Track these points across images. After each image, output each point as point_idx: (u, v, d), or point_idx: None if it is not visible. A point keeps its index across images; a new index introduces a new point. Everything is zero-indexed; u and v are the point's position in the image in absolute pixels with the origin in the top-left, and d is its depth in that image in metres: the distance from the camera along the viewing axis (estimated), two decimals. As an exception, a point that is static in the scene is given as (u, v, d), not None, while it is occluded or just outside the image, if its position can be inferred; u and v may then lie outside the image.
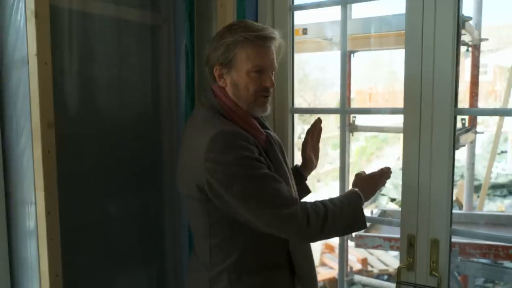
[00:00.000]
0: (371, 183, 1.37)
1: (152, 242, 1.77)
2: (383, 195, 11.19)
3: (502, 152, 11.30)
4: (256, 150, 1.19)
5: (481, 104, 11.13)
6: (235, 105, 1.26)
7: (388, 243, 3.99)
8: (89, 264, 1.50)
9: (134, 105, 1.65)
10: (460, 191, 6.40)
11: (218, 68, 1.25)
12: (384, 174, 1.41)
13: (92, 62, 1.47)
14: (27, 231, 1.33)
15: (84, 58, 1.44)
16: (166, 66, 1.74)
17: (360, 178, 1.38)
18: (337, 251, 6.11)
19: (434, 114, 1.39)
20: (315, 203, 1.21)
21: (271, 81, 1.26)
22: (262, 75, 1.24)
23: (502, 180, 10.01)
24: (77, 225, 1.43)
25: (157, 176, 1.75)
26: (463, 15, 3.97)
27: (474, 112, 3.87)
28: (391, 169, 1.46)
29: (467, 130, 4.63)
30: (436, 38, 1.36)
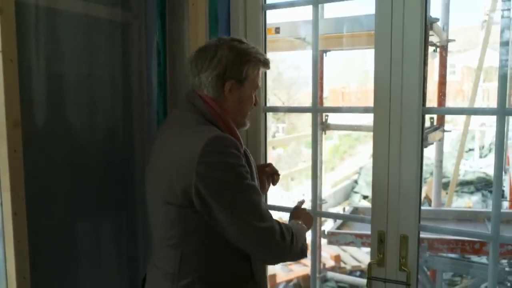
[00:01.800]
0: (309, 219, 1.43)
1: (122, 243, 1.74)
2: (356, 192, 11.37)
3: (470, 150, 11.65)
4: (244, 159, 1.20)
5: (450, 103, 11.45)
6: (225, 114, 1.28)
7: (359, 240, 4.06)
8: (57, 266, 1.47)
9: (104, 103, 1.62)
10: (430, 188, 6.57)
11: (233, 83, 1.27)
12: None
13: (60, 59, 1.43)
14: (-7, 233, 1.29)
15: (52, 55, 1.40)
16: (137, 64, 1.71)
17: (303, 212, 1.45)
18: (310, 248, 6.14)
19: (403, 113, 1.42)
20: (281, 222, 1.24)
21: (258, 100, 1.39)
22: (254, 94, 1.35)
23: (469, 177, 10.32)
24: (45, 226, 1.39)
25: (127, 175, 1.73)
26: (430, 16, 4.07)
27: (441, 111, 3.98)
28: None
29: (436, 129, 4.75)
30: (405, 39, 1.39)
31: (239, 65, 1.27)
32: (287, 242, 1.19)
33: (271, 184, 1.57)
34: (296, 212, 1.44)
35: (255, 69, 1.30)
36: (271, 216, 1.20)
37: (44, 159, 1.38)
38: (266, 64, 1.34)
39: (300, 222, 1.36)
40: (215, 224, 1.16)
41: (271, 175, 1.55)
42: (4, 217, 1.25)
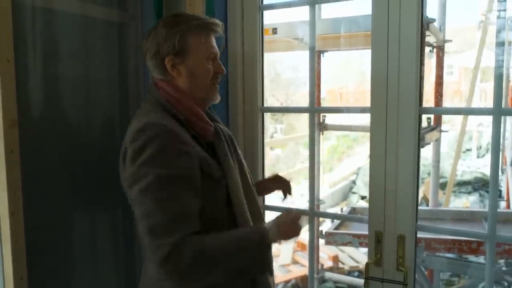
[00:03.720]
0: (290, 229, 1.23)
1: (120, 242, 1.74)
2: (354, 193, 11.38)
3: (467, 150, 11.67)
4: (191, 148, 1.13)
5: (448, 103, 11.46)
6: (182, 96, 1.21)
7: (357, 240, 4.06)
8: (54, 266, 1.46)
9: (101, 103, 1.62)
10: (427, 188, 6.58)
11: (171, 58, 1.20)
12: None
13: (57, 59, 1.43)
14: (-10, 233, 1.29)
15: (49, 55, 1.40)
16: (134, 65, 1.71)
17: (289, 219, 1.24)
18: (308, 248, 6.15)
19: (400, 113, 1.42)
20: (200, 242, 1.09)
21: (223, 68, 1.28)
22: (214, 62, 1.25)
23: (467, 177, 10.33)
24: (42, 225, 1.39)
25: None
26: (427, 16, 4.07)
27: (438, 111, 3.98)
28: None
29: (433, 129, 4.76)
30: (401, 39, 1.40)
31: (172, 37, 1.19)
32: (175, 266, 1.04)
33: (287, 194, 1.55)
34: (284, 216, 1.24)
35: (200, 36, 1.21)
36: (175, 233, 1.05)
37: (41, 158, 1.38)
38: (203, 27, 1.22)
39: (265, 229, 1.18)
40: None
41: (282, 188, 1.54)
42: (1, 217, 1.25)
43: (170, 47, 1.19)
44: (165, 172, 1.08)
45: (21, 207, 1.26)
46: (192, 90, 1.23)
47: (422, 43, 1.42)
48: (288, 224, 1.22)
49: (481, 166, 10.61)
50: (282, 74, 15.95)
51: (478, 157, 11.57)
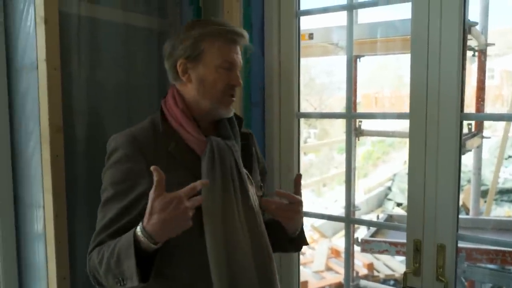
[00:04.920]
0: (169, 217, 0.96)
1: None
2: (389, 199, 11.16)
3: (510, 156, 11.21)
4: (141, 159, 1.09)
5: (488, 108, 11.09)
6: (177, 107, 1.16)
7: (394, 248, 3.98)
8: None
9: (142, 110, 1.65)
10: (467, 196, 6.36)
11: (182, 63, 1.15)
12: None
13: (100, 67, 1.48)
14: (35, 234, 1.34)
15: (93, 63, 1.45)
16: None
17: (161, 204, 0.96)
18: (343, 256, 6.09)
19: (440, 119, 1.39)
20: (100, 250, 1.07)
21: (239, 80, 1.19)
22: (230, 73, 1.17)
23: (509, 185, 9.93)
24: (84, 228, 1.44)
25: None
26: (469, 20, 3.97)
27: (480, 117, 3.86)
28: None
29: (474, 135, 4.61)
30: (442, 43, 1.36)
31: (186, 40, 1.15)
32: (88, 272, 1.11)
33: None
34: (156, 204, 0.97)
35: (216, 42, 1.14)
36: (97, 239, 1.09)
37: (84, 163, 1.43)
38: (220, 34, 1.15)
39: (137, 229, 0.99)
40: None
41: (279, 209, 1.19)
42: (46, 219, 1.30)
43: (182, 51, 1.15)
44: (105, 187, 1.14)
45: (65, 210, 1.31)
46: (199, 99, 1.17)
47: (464, 47, 1.38)
48: (165, 206, 0.94)
49: (525, 174, 10.18)
50: (316, 79, 15.87)
51: (521, 164, 11.11)
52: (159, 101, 1.69)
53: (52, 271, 1.30)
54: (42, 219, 1.31)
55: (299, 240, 1.29)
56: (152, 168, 0.95)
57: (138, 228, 0.98)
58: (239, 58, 1.19)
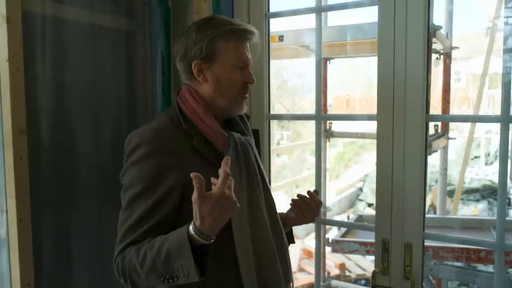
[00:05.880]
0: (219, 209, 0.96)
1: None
2: (360, 200, 11.33)
3: (476, 157, 11.58)
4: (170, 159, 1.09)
5: (455, 110, 11.41)
6: (197, 103, 1.16)
7: (364, 248, 4.04)
8: (61, 273, 1.47)
9: (109, 111, 1.63)
10: (435, 196, 6.53)
11: (198, 63, 1.15)
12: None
13: (66, 67, 1.45)
14: (-2, 239, 1.30)
15: (57, 63, 1.42)
16: (142, 73, 1.73)
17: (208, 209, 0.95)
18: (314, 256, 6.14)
19: (407, 121, 1.42)
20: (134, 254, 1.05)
21: (253, 77, 1.20)
22: (244, 71, 1.18)
23: (475, 184, 10.25)
24: (50, 233, 1.40)
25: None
26: (433, 24, 4.07)
27: (445, 118, 3.96)
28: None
29: (440, 136, 4.74)
30: (408, 46, 1.40)
31: (200, 41, 1.14)
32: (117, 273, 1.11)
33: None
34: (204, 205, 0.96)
35: (225, 42, 1.15)
36: (125, 241, 1.08)
37: (49, 166, 1.39)
38: (234, 33, 1.15)
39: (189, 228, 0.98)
40: None
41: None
42: (9, 224, 1.26)
43: (198, 51, 1.15)
44: (130, 184, 1.13)
45: (29, 214, 1.27)
46: (215, 98, 1.18)
47: (429, 51, 1.42)
48: (214, 207, 0.95)
49: (490, 174, 10.53)
50: (289, 81, 15.98)
51: (486, 164, 11.48)
52: (127, 101, 1.68)
53: (16, 278, 1.26)
54: (5, 224, 1.27)
55: (289, 237, 1.38)
56: (192, 175, 0.94)
57: (192, 230, 0.97)
58: (250, 55, 1.21)
